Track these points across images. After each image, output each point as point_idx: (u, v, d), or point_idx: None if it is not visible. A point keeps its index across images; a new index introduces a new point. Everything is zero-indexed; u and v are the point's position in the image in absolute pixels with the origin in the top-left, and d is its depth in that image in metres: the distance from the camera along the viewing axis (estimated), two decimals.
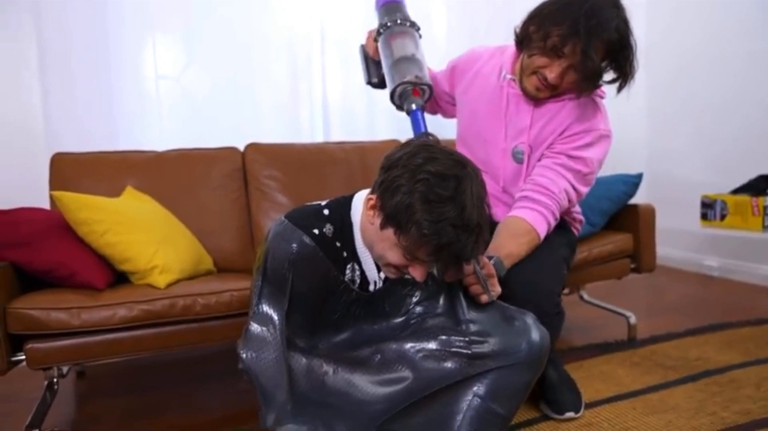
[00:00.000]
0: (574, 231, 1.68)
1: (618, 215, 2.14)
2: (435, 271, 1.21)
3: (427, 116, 1.45)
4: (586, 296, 2.33)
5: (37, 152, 2.16)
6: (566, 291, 2.23)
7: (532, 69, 1.42)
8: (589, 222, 2.08)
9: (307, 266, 1.06)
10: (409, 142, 1.06)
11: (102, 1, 2.28)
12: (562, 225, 1.58)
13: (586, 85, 1.40)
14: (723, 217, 2.29)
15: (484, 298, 1.17)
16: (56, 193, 1.54)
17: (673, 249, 3.27)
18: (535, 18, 1.40)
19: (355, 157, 2.24)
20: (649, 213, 2.06)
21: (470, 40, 2.78)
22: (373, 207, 1.03)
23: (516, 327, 1.13)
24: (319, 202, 1.15)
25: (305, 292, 1.08)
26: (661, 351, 1.95)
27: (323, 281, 1.10)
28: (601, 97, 1.53)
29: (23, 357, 1.37)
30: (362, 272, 1.14)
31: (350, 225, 1.12)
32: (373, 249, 1.07)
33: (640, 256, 2.05)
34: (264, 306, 1.07)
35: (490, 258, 1.24)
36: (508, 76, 1.52)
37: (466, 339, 1.12)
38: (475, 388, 1.11)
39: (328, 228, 1.10)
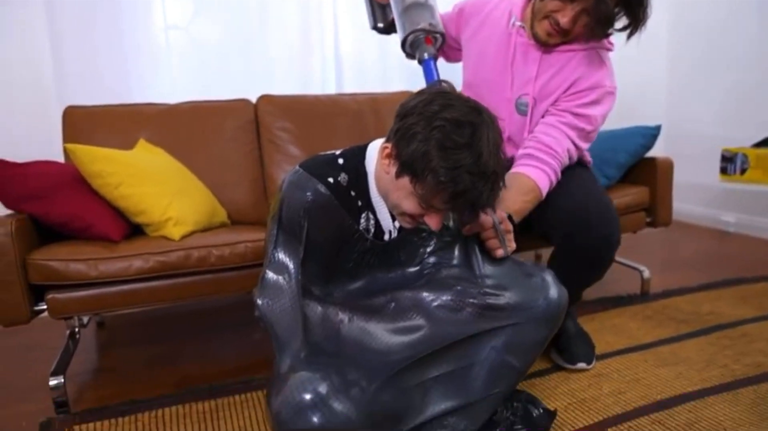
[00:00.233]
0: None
1: (635, 168, 2.11)
2: (451, 223, 1.20)
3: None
4: None
5: (49, 106, 2.15)
6: None
7: (545, 13, 1.37)
8: (605, 175, 2.05)
9: (321, 215, 1.06)
10: (424, 90, 1.04)
11: None
12: (580, 163, 1.56)
13: (598, 30, 1.36)
14: (743, 171, 2.24)
15: (500, 253, 1.16)
16: (70, 146, 1.54)
17: (690, 205, 3.23)
18: None
19: (368, 108, 2.21)
20: (667, 166, 2.03)
21: None
22: (388, 155, 1.02)
23: (534, 283, 1.13)
24: (333, 151, 1.14)
25: (320, 241, 1.08)
26: (673, 305, 1.95)
27: (338, 230, 1.10)
28: (609, 50, 1.49)
29: (45, 307, 1.41)
30: (377, 221, 1.14)
31: (365, 174, 1.12)
32: (389, 198, 1.07)
33: (656, 210, 2.02)
34: (279, 254, 1.08)
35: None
36: (518, 23, 1.48)
37: (481, 290, 1.12)
38: (492, 342, 1.11)
39: (343, 177, 1.09)
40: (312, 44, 2.62)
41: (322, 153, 1.14)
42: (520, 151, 1.44)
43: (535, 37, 1.43)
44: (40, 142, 2.06)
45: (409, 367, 1.08)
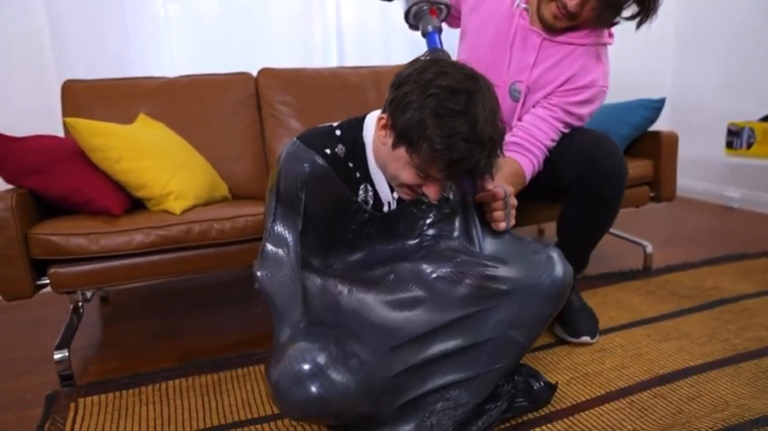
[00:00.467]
0: None
1: (639, 141, 2.09)
2: (451, 195, 1.20)
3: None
4: None
5: (48, 79, 2.13)
6: None
7: None
8: None
9: (319, 186, 1.05)
10: (418, 59, 1.03)
11: None
12: None
13: (607, 15, 1.35)
14: (749, 146, 2.22)
15: (503, 225, 1.16)
16: (69, 120, 1.52)
17: (694, 180, 3.21)
18: None
19: (370, 81, 2.18)
20: (672, 140, 2.00)
21: None
22: (384, 126, 1.02)
23: (539, 260, 1.12)
24: (331, 123, 1.13)
25: (318, 213, 1.07)
26: (676, 280, 1.95)
27: (336, 201, 1.09)
28: (609, 44, 1.47)
29: (47, 281, 1.41)
30: (375, 193, 1.14)
31: (362, 145, 1.11)
32: (387, 169, 1.07)
33: (660, 184, 2.01)
34: (278, 226, 1.07)
35: None
36: (522, 5, 1.45)
37: (481, 262, 1.11)
38: (497, 317, 1.11)
39: (340, 149, 1.08)
40: (313, 16, 2.58)
41: (320, 125, 1.13)
42: (509, 137, 1.45)
43: (541, 19, 1.41)
44: (39, 117, 2.04)
45: (410, 342, 1.08)
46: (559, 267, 1.12)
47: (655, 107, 2.07)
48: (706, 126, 2.99)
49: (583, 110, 1.46)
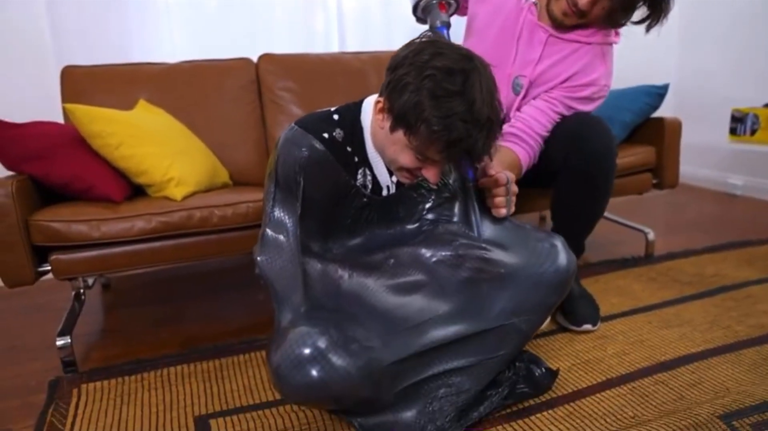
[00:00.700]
0: None
1: (642, 128, 2.08)
2: (451, 180, 1.19)
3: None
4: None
5: (47, 65, 2.12)
6: None
7: None
8: None
9: (318, 170, 1.05)
10: (413, 41, 1.01)
11: None
12: None
13: (618, 16, 1.35)
14: (753, 132, 2.21)
15: (503, 212, 1.16)
16: (69, 106, 1.51)
17: (697, 168, 3.20)
18: None
19: (371, 67, 2.17)
20: (675, 126, 1.99)
21: None
22: (381, 110, 1.01)
23: (542, 248, 1.12)
24: (329, 108, 1.12)
25: (317, 197, 1.07)
26: (677, 267, 1.95)
27: (334, 186, 1.09)
28: (615, 43, 1.46)
29: (49, 268, 1.41)
30: (374, 177, 1.13)
31: (361, 129, 1.10)
32: (385, 153, 1.06)
33: (662, 171, 2.00)
34: (278, 211, 1.07)
35: None
36: (531, 0, 1.45)
37: (480, 245, 1.12)
38: (501, 304, 1.11)
39: (338, 133, 1.08)
40: (314, 1, 2.56)
41: (318, 110, 1.13)
42: (508, 128, 1.45)
43: (550, 15, 1.41)
44: (39, 103, 2.02)
45: (412, 327, 1.08)
46: (563, 256, 1.12)
47: (658, 94, 2.06)
48: (709, 112, 2.97)
49: (583, 107, 1.46)
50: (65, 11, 2.15)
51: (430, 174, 1.02)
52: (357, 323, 1.03)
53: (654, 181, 2.02)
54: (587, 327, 1.49)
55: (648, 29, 1.35)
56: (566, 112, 1.45)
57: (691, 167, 3.12)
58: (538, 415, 1.16)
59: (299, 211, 1.06)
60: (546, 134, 1.45)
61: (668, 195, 3.00)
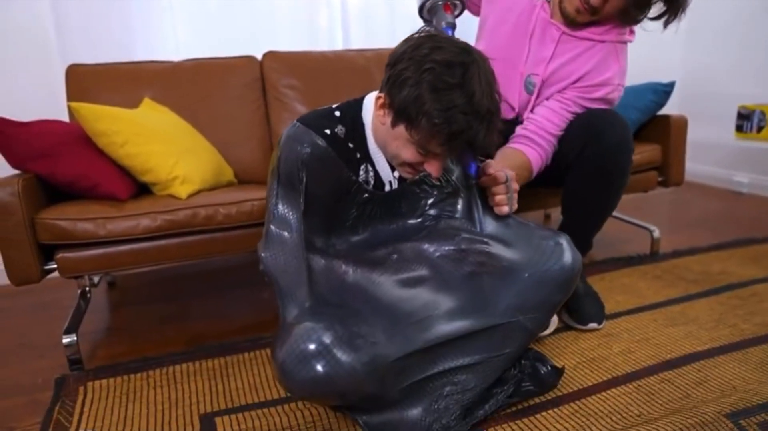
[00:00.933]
0: None
1: (647, 126, 2.07)
2: (454, 176, 1.20)
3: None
4: None
5: (52, 64, 2.12)
6: None
7: None
8: None
9: (320, 167, 1.06)
10: (412, 36, 1.02)
11: None
12: None
13: (633, 12, 1.34)
14: (760, 129, 2.19)
15: (505, 209, 1.16)
16: (74, 104, 1.51)
17: (703, 165, 3.18)
18: None
19: (375, 64, 2.16)
20: (681, 124, 1.98)
21: None
22: (382, 105, 1.02)
23: (547, 246, 1.12)
24: (330, 105, 1.13)
25: (320, 193, 1.08)
26: (683, 265, 1.94)
27: (337, 182, 1.10)
28: (629, 41, 1.45)
29: (55, 266, 1.41)
30: (376, 173, 1.14)
31: (362, 126, 1.11)
32: (387, 148, 1.07)
33: (668, 169, 1.99)
34: (281, 208, 1.07)
35: None
36: None
37: (482, 239, 1.12)
38: (507, 301, 1.11)
39: (340, 129, 1.09)
40: None
41: (320, 107, 1.13)
42: (520, 130, 1.45)
43: (562, 12, 1.40)
44: (44, 101, 2.03)
45: (417, 323, 1.08)
46: (568, 254, 1.12)
47: (664, 91, 2.05)
48: (715, 109, 2.95)
49: (597, 106, 1.45)
50: (69, 10, 2.15)
51: (432, 168, 1.03)
52: (361, 318, 1.03)
53: (659, 179, 2.01)
54: (593, 325, 1.49)
55: (666, 25, 1.34)
56: (578, 110, 1.44)
57: (696, 164, 3.11)
58: (544, 413, 1.16)
59: (302, 207, 1.06)
60: (560, 133, 1.44)
61: (674, 192, 2.99)
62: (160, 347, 1.54)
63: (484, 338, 1.11)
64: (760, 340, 1.41)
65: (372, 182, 1.14)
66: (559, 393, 1.22)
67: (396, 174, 1.14)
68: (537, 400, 1.20)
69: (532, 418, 1.14)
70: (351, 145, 1.10)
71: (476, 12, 1.65)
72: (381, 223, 1.18)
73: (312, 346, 0.93)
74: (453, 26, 1.31)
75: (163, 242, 1.48)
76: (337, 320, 0.99)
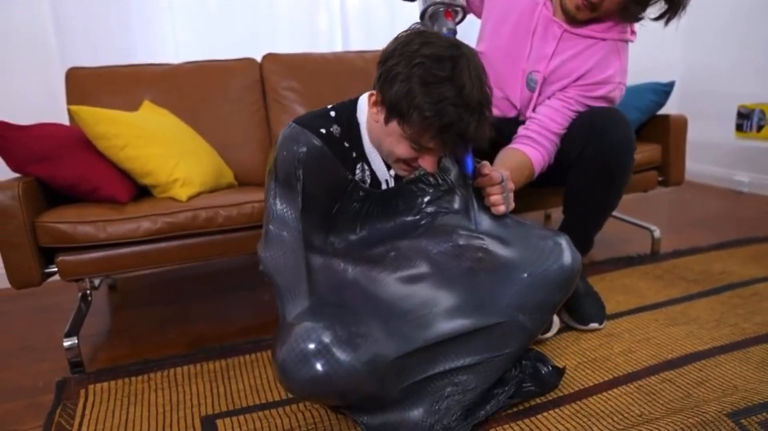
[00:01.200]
0: None
1: (647, 125, 2.07)
2: (451, 175, 1.20)
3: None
4: None
5: (52, 67, 2.12)
6: None
7: None
8: None
9: (316, 166, 1.06)
10: (401, 33, 1.03)
11: None
12: None
13: (633, 8, 1.34)
14: (760, 128, 2.19)
15: (502, 209, 1.16)
16: (74, 107, 1.52)
17: (703, 165, 3.18)
18: None
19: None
20: (681, 123, 1.98)
21: None
22: (375, 103, 1.03)
23: (546, 246, 1.12)
24: (326, 106, 1.14)
25: (317, 193, 1.08)
26: (684, 265, 1.94)
27: (334, 181, 1.10)
28: (631, 41, 1.46)
29: (56, 269, 1.42)
30: (372, 172, 1.14)
31: (357, 125, 1.12)
32: (382, 146, 1.08)
33: (668, 169, 1.99)
34: (279, 208, 1.08)
35: None
36: None
37: (478, 236, 1.13)
38: (507, 299, 1.11)
39: (336, 129, 1.10)
40: (317, 1, 2.55)
41: (316, 109, 1.14)
42: (522, 130, 1.45)
43: (563, 9, 1.40)
44: (44, 104, 2.03)
45: (417, 321, 1.08)
46: (567, 254, 1.12)
47: (663, 91, 2.05)
48: (715, 109, 2.95)
49: (599, 104, 1.45)
50: (69, 12, 2.16)
51: (427, 163, 1.04)
52: (361, 317, 1.04)
53: (659, 179, 2.01)
54: (593, 325, 1.49)
55: (667, 23, 1.34)
56: (581, 108, 1.44)
57: (696, 164, 3.11)
58: (545, 414, 1.16)
59: (300, 207, 1.07)
60: (562, 132, 1.44)
61: (674, 192, 2.99)
62: (161, 349, 1.54)
63: (483, 337, 1.11)
64: (761, 339, 1.41)
65: (368, 181, 1.15)
66: (560, 394, 1.22)
67: (392, 173, 1.15)
68: (538, 401, 1.20)
69: (533, 419, 1.14)
70: (347, 145, 1.11)
71: (478, 13, 1.65)
72: (379, 221, 1.18)
73: (312, 346, 0.93)
74: (454, 32, 1.32)
75: (163, 244, 1.48)
76: (336, 319, 0.99)
